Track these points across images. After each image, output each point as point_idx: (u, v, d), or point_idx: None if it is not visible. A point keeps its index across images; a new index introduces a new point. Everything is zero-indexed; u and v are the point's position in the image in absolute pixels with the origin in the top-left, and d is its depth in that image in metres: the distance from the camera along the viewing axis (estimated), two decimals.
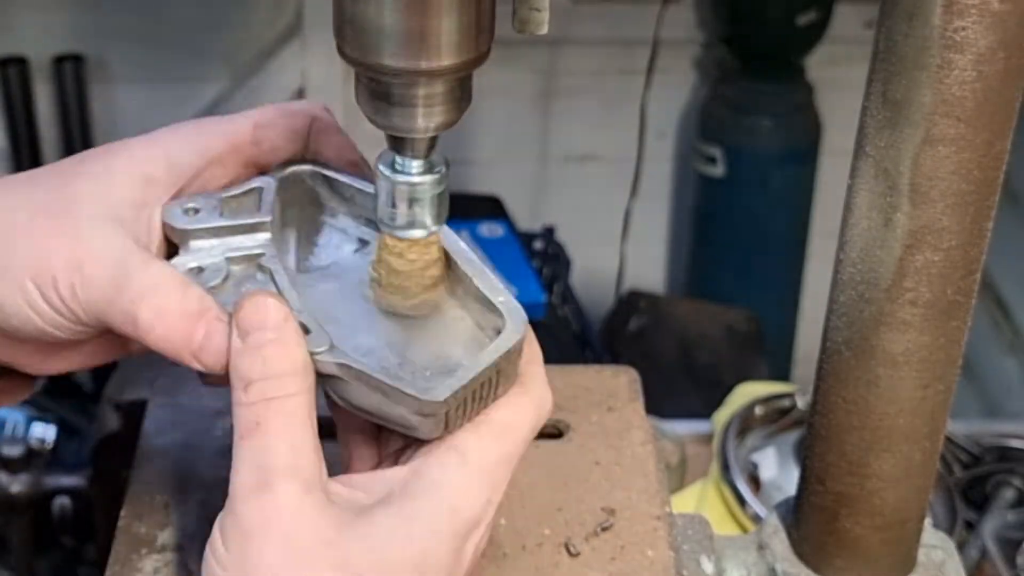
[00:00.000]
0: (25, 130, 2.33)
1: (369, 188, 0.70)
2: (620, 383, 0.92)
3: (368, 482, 0.66)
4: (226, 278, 0.68)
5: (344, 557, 0.62)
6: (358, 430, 0.71)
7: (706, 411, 1.46)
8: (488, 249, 1.94)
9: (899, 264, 0.69)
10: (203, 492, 0.80)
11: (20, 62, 2.30)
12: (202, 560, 0.64)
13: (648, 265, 2.77)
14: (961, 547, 1.28)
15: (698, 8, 2.59)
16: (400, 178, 0.66)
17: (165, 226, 0.69)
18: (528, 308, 0.68)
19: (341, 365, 0.64)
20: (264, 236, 0.70)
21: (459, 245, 0.70)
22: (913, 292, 0.70)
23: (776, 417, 1.41)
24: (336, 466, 0.68)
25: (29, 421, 1.53)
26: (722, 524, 1.30)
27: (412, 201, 0.67)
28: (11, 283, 0.66)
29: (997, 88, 0.65)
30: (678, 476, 1.38)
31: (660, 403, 1.16)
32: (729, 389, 1.47)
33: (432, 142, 0.66)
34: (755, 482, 1.34)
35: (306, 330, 0.65)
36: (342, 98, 2.18)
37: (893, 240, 0.69)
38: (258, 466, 0.62)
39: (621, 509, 0.82)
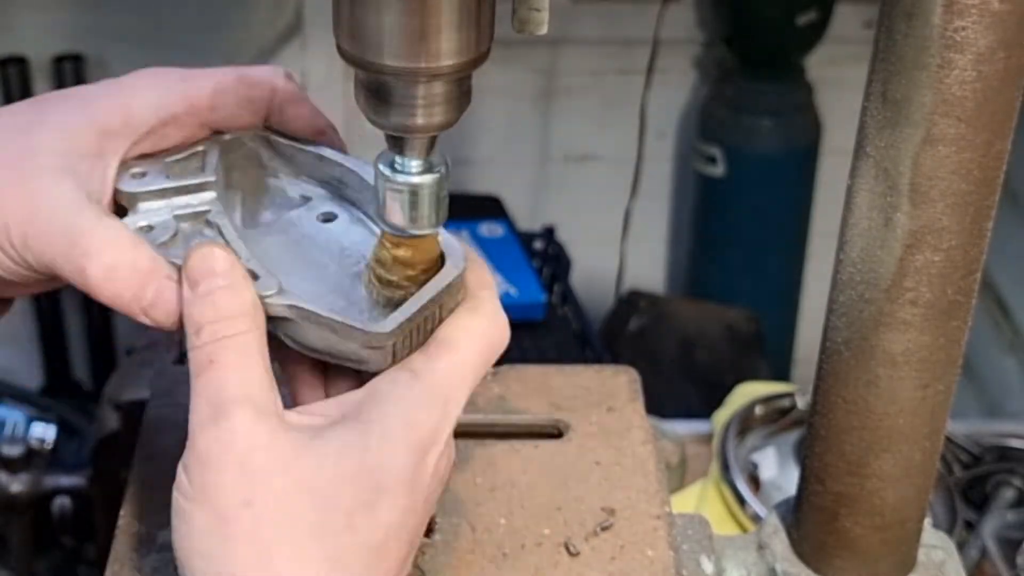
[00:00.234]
0: None
1: (310, 147, 0.74)
2: (620, 383, 0.92)
3: (323, 408, 0.68)
4: (175, 235, 0.70)
5: (300, 475, 0.63)
6: (305, 380, 0.72)
7: (706, 411, 1.46)
8: (488, 249, 1.93)
9: (899, 264, 0.69)
10: None
11: (20, 62, 2.31)
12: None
13: (648, 265, 2.77)
14: (961, 547, 1.28)
15: (698, 8, 2.59)
16: (400, 178, 0.66)
17: (118, 194, 0.71)
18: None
19: (291, 307, 0.66)
20: (210, 195, 0.72)
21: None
22: (913, 292, 0.70)
23: (776, 417, 1.41)
24: None
25: (29, 421, 1.53)
26: (722, 524, 1.30)
27: (412, 201, 0.67)
28: None
29: (997, 88, 0.65)
30: (678, 476, 1.38)
31: (660, 403, 1.16)
32: (729, 389, 1.47)
33: (432, 142, 0.66)
34: (755, 482, 1.34)
35: (255, 276, 0.67)
36: (342, 98, 2.18)
37: (893, 240, 0.69)
38: (212, 399, 0.64)
39: (621, 509, 0.82)
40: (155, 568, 0.76)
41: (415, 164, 0.66)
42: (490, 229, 2.01)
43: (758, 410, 1.41)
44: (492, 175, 2.54)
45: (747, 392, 1.45)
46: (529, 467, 0.84)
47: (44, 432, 1.39)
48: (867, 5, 2.51)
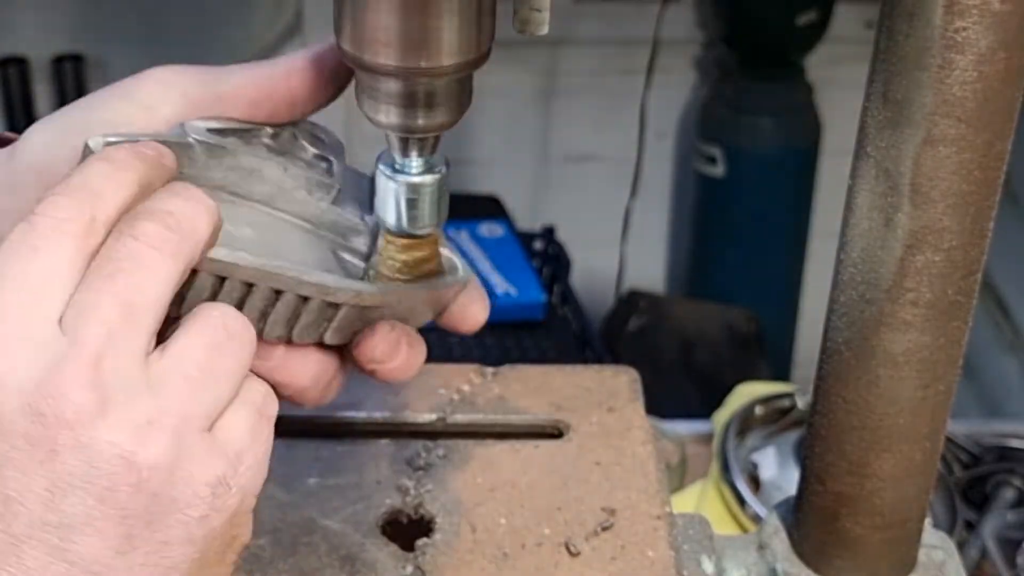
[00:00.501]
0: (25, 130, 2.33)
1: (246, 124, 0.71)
2: (620, 383, 0.92)
3: None
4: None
5: None
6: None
7: (706, 411, 1.46)
8: (488, 249, 1.93)
9: (900, 264, 0.69)
10: None
11: (20, 62, 2.31)
12: None
13: (648, 265, 2.77)
14: (961, 547, 1.28)
15: (698, 8, 2.59)
16: (400, 178, 0.66)
17: (86, 151, 0.68)
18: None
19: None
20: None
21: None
22: (914, 292, 0.70)
23: (776, 417, 1.41)
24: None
25: None
26: (722, 524, 1.30)
27: (412, 201, 0.67)
28: None
29: (998, 88, 0.65)
30: (678, 476, 1.38)
31: (660, 403, 1.16)
32: (729, 389, 1.47)
33: (434, 142, 0.66)
34: (755, 482, 1.34)
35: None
36: (342, 97, 2.18)
37: (894, 240, 0.69)
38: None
39: (621, 509, 0.82)
40: None
41: (415, 164, 0.66)
42: (490, 229, 2.01)
43: (758, 410, 1.41)
44: (492, 175, 2.54)
45: (747, 392, 1.45)
46: (529, 467, 0.84)
47: None
48: (867, 5, 2.52)
